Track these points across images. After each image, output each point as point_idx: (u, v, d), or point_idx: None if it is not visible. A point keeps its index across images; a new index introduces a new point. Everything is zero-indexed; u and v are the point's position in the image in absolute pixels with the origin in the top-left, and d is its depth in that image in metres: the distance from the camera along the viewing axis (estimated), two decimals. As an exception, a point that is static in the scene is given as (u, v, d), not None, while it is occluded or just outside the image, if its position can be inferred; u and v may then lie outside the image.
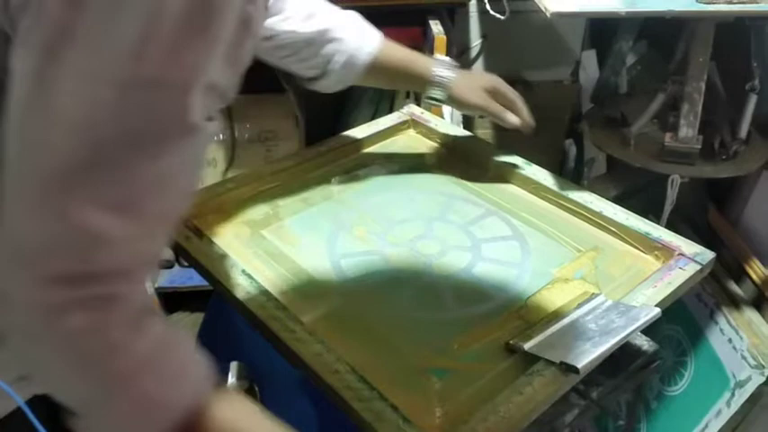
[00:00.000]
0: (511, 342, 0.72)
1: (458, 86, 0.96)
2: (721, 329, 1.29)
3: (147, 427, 0.50)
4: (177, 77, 0.45)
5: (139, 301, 0.50)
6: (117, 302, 0.48)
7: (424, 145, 1.12)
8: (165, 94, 0.45)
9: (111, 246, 0.46)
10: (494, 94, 0.96)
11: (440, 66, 0.96)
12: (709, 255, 0.82)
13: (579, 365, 0.64)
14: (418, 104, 1.23)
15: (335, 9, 0.93)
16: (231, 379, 0.92)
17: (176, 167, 0.48)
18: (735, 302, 1.30)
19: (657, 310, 0.71)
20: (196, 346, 0.55)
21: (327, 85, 0.97)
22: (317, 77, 0.97)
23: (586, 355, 0.65)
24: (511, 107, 0.97)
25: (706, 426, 1.24)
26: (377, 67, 0.94)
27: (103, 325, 0.47)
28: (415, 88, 1.00)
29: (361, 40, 0.93)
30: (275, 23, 0.89)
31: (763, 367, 1.18)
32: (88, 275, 0.46)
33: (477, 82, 0.97)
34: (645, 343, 0.81)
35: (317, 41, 0.92)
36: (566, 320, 0.73)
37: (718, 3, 1.02)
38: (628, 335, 0.68)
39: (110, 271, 0.47)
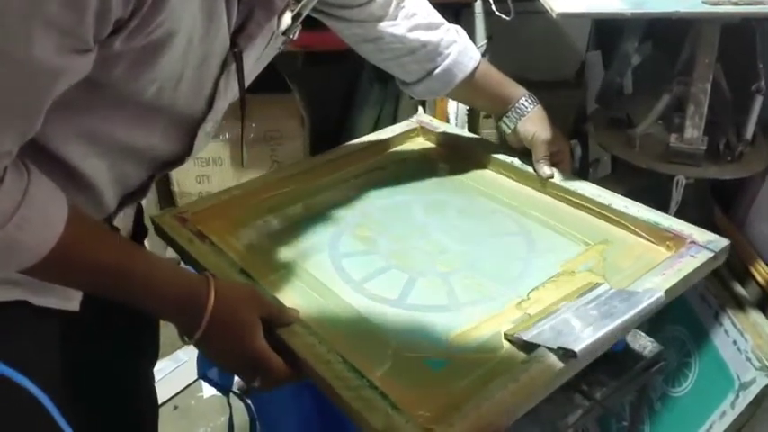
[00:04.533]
0: (510, 333, 0.72)
1: (530, 118, 0.99)
2: (726, 331, 1.28)
3: (18, 265, 0.61)
4: None
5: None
6: None
7: (434, 152, 1.12)
8: None
9: None
10: (552, 139, 0.99)
11: (527, 96, 1.00)
12: (722, 242, 0.81)
13: (577, 349, 0.63)
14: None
15: (443, 23, 0.98)
16: (236, 377, 0.92)
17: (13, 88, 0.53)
18: (739, 304, 1.29)
19: (661, 293, 0.70)
20: (55, 190, 0.62)
21: (419, 92, 1.02)
22: (410, 83, 1.01)
23: (584, 340, 0.65)
24: (556, 157, 0.99)
25: (710, 427, 1.23)
26: (469, 85, 0.99)
27: None
28: (494, 111, 1.04)
29: (461, 57, 0.97)
30: (383, 27, 0.93)
31: (768, 369, 1.18)
32: None
33: (546, 121, 1.00)
34: (649, 344, 0.81)
35: (419, 52, 0.96)
36: (567, 309, 0.73)
37: (724, 4, 1.02)
38: (629, 318, 0.67)
39: None
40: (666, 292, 0.72)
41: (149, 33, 0.58)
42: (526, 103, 0.99)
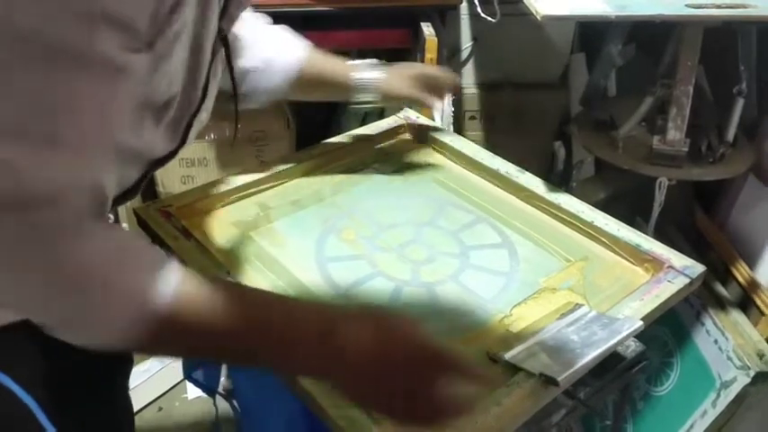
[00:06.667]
0: (492, 351, 0.72)
1: (387, 82, 0.97)
2: (707, 331, 1.30)
3: (127, 320, 0.51)
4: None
5: (72, 220, 0.49)
6: (45, 229, 0.47)
7: (419, 149, 1.12)
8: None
9: (19, 174, 0.45)
10: (424, 80, 0.98)
11: (359, 71, 0.96)
12: (698, 268, 0.82)
13: (559, 378, 0.65)
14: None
15: (259, 26, 0.91)
16: (221, 378, 0.92)
17: (82, 93, 0.47)
18: (721, 304, 1.31)
19: (640, 322, 0.72)
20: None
21: (247, 104, 0.94)
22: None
23: (566, 368, 0.66)
24: (437, 85, 0.99)
25: (691, 426, 1.25)
26: (294, 84, 0.93)
27: (40, 243, 0.47)
28: (342, 97, 0.99)
29: (277, 58, 0.91)
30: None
31: (749, 368, 1.19)
32: (7, 205, 0.46)
33: (405, 72, 0.98)
34: (632, 344, 0.82)
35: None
36: (548, 331, 0.74)
37: (707, 7, 1.03)
38: (609, 348, 0.69)
39: (30, 198, 0.46)
40: (644, 317, 0.74)
41: (173, 25, 0.56)
42: (364, 76, 0.96)
